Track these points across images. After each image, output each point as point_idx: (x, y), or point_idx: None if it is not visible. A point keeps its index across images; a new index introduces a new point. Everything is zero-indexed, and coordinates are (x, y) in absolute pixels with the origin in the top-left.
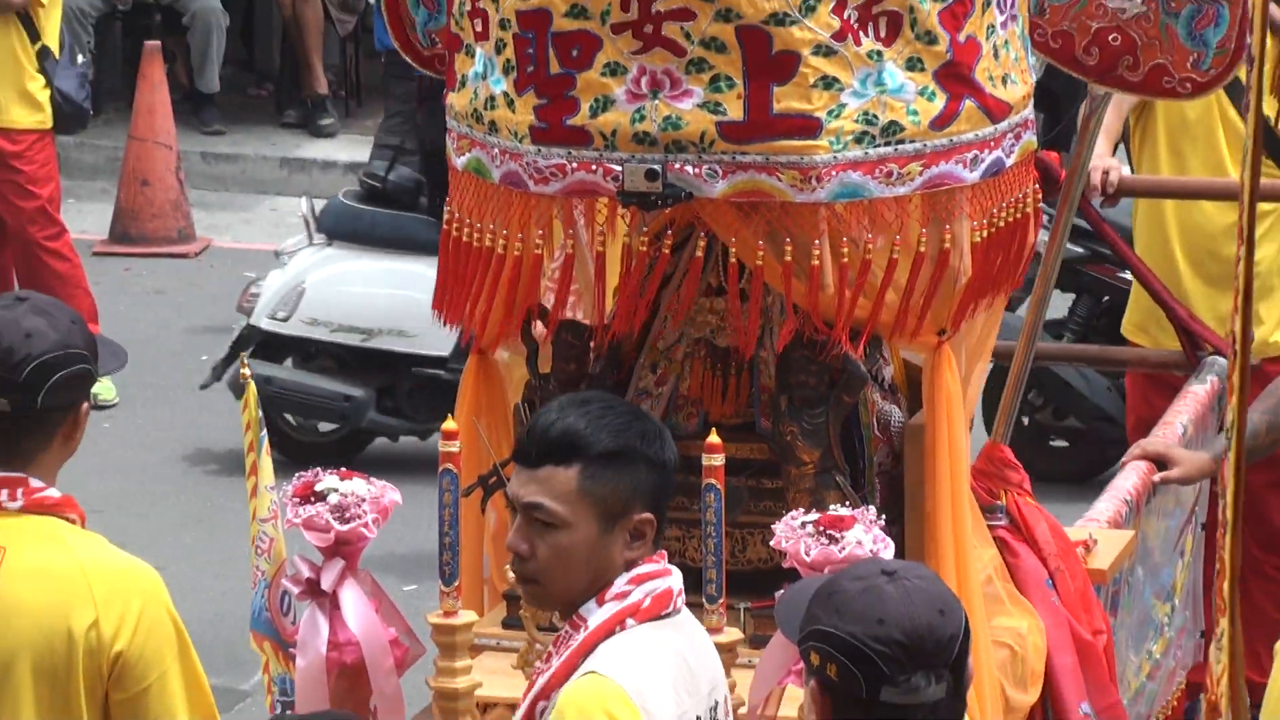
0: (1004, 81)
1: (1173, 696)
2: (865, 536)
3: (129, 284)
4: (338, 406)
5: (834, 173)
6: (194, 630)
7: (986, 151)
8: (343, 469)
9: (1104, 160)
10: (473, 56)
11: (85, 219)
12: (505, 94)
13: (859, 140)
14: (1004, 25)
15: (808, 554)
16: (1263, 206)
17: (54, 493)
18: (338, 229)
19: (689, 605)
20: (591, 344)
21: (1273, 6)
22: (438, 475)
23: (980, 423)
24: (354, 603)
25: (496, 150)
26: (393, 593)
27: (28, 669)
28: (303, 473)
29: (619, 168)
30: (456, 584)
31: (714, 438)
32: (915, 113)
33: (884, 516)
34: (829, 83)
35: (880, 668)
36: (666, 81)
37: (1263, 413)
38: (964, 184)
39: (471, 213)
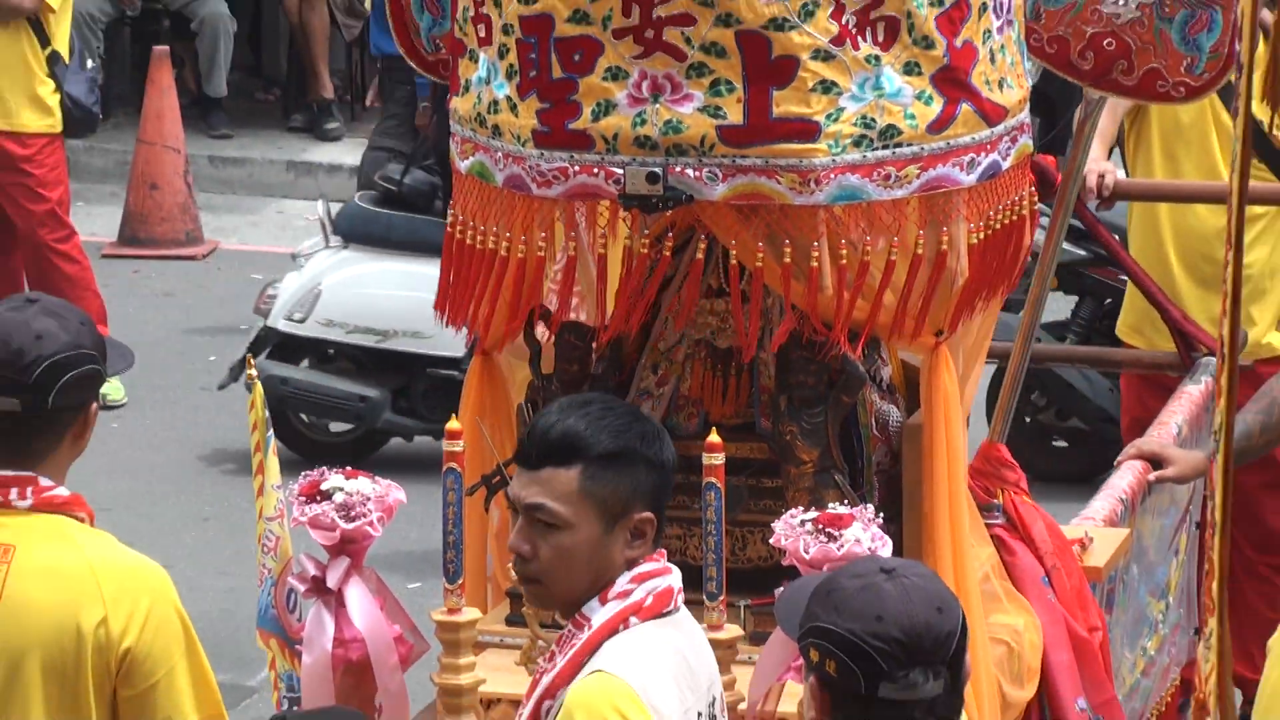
0: (1000, 86)
1: (1167, 692)
2: (863, 534)
3: (138, 286)
4: (353, 407)
5: (832, 175)
6: (201, 627)
7: (983, 155)
8: (348, 468)
9: (1099, 164)
10: (476, 61)
11: (95, 222)
12: (508, 98)
13: (857, 144)
14: (1000, 30)
15: (807, 551)
16: (1256, 210)
17: (63, 491)
18: (354, 232)
19: (691, 603)
20: (594, 345)
21: (1264, 12)
22: (441, 475)
23: (984, 423)
24: (359, 600)
25: (500, 154)
26: (397, 590)
27: (37, 665)
28: (309, 472)
29: (620, 171)
30: (460, 582)
31: (714, 437)
32: (912, 116)
33: (882, 515)
34: (828, 87)
35: (878, 664)
36: (667, 86)
37: (1256, 414)
38: (961, 187)
39: (475, 215)
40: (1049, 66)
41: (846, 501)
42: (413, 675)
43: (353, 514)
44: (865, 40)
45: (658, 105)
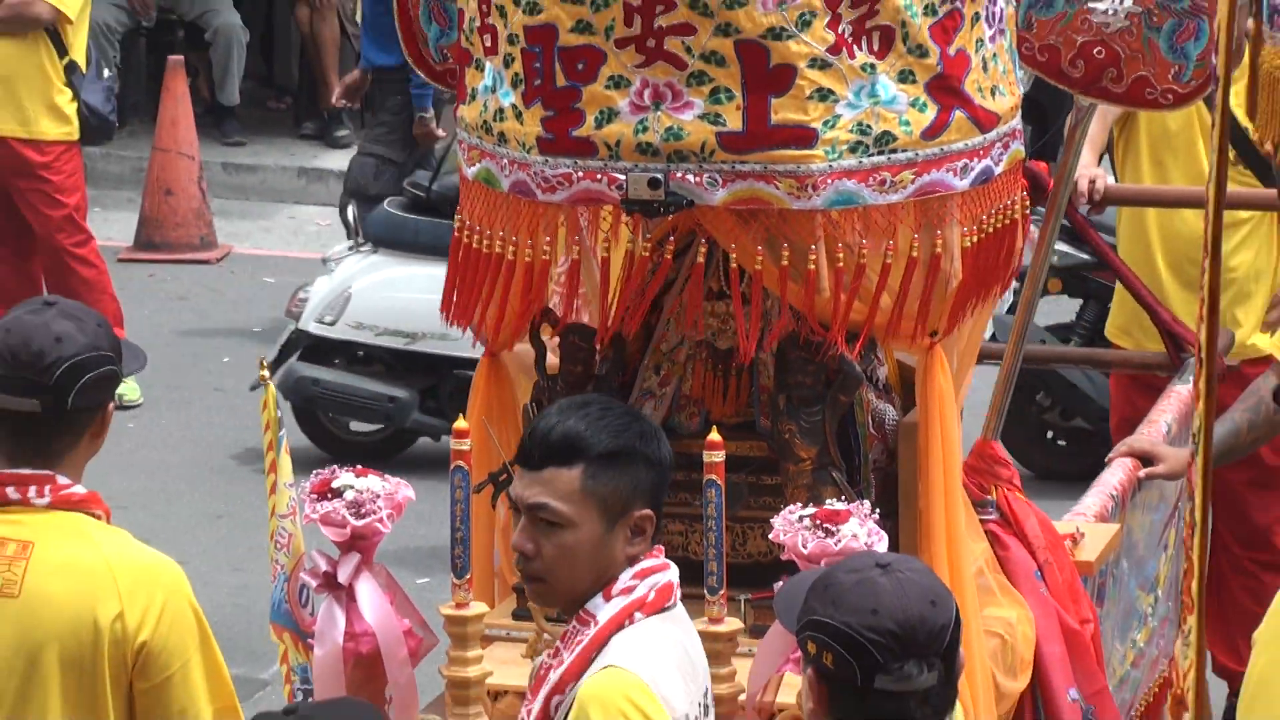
0: (993, 93)
1: (1155, 683)
2: (860, 530)
3: (153, 289)
4: (382, 407)
5: (829, 181)
6: (214, 622)
7: (976, 160)
8: (358, 466)
9: (1089, 169)
10: (482, 70)
11: (111, 227)
12: (514, 106)
13: (853, 150)
14: (992, 39)
15: (805, 547)
16: (1241, 214)
17: (80, 489)
18: (383, 236)
19: (692, 597)
20: (597, 346)
21: (1250, 22)
22: (449, 473)
23: (979, 421)
24: (369, 595)
25: (505, 160)
26: (407, 585)
27: (55, 659)
28: (320, 470)
29: (623, 177)
30: (468, 577)
31: (715, 436)
32: (907, 123)
33: (878, 511)
34: (824, 94)
35: (874, 656)
36: (668, 94)
37: (1243, 412)
38: (954, 191)
39: (482, 220)
40: (1040, 74)
41: (844, 498)
42: (422, 668)
43: (363, 511)
44: (861, 49)
45: (659, 113)
